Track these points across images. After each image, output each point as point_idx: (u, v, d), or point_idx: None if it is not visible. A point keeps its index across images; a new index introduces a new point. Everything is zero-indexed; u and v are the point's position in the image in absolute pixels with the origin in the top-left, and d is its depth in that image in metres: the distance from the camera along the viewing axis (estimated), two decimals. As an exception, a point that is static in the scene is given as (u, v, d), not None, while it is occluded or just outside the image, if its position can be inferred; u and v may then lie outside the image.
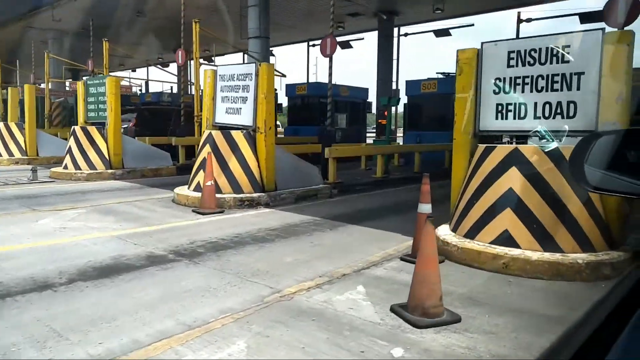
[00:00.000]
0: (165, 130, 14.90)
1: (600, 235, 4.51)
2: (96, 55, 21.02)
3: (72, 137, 11.36)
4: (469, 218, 5.03)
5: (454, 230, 5.25)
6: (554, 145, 4.61)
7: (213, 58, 19.45)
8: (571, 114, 4.81)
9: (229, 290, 3.81)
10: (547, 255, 4.32)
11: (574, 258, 4.26)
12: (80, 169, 11.03)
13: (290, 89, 18.20)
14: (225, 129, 8.26)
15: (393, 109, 16.48)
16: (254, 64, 7.76)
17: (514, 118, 5.21)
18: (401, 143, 16.27)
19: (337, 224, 6.53)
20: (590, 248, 4.44)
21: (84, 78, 12.40)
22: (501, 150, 4.90)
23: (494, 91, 5.33)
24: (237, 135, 7.83)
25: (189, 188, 8.22)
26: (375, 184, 10.37)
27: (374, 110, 19.10)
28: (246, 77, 7.92)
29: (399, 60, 22.56)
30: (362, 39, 23.54)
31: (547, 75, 4.94)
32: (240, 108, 8.07)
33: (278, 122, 22.25)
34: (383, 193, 9.53)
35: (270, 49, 28.17)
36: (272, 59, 29.31)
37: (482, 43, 5.44)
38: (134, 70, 38.24)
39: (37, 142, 15.13)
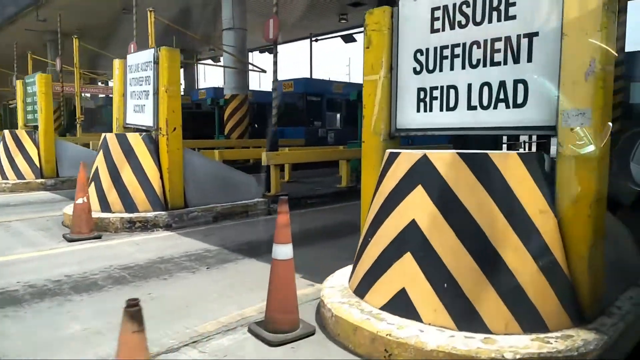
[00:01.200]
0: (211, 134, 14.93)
1: (557, 303, 2.67)
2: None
3: (1, 143, 10.09)
4: (362, 264, 3.27)
5: (350, 279, 3.50)
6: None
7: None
8: (519, 100, 2.99)
9: None
10: (458, 341, 2.52)
11: (500, 347, 2.44)
12: (7, 179, 9.73)
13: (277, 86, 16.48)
14: (139, 131, 6.73)
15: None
16: (153, 50, 6.17)
17: (441, 109, 3.43)
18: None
19: (229, 257, 4.85)
20: (538, 325, 2.61)
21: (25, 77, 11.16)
22: (405, 160, 3.12)
23: (415, 69, 3.56)
24: (134, 139, 6.24)
25: (84, 204, 6.68)
26: (334, 196, 8.53)
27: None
28: (147, 66, 6.34)
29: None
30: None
31: (485, 41, 3.15)
32: (144, 105, 6.50)
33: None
34: (338, 209, 7.77)
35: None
36: (266, 57, 27.82)
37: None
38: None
39: None
